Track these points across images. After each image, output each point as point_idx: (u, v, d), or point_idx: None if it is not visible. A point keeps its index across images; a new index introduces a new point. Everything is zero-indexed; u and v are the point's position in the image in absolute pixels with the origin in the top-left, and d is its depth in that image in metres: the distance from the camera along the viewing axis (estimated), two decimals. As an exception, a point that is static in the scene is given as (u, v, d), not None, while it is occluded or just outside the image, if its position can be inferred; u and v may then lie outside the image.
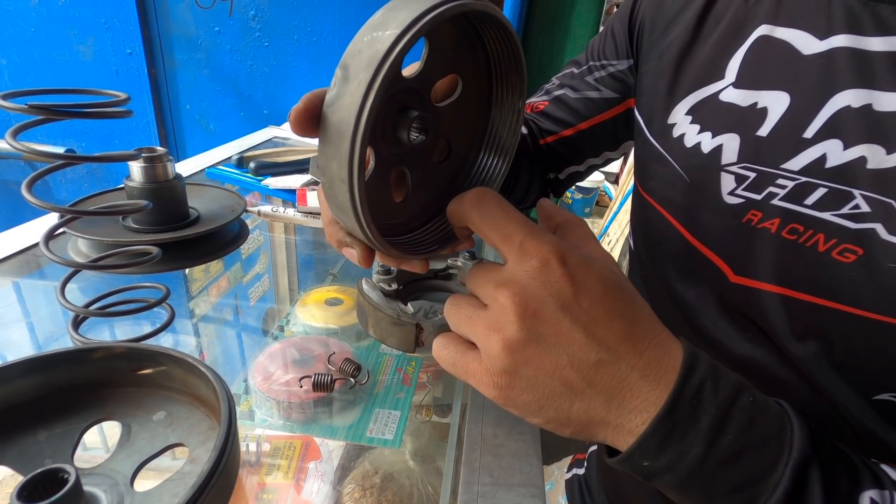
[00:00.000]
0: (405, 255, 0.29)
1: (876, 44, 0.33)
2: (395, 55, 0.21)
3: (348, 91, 0.21)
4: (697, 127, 0.43)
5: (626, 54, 0.54)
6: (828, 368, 0.37)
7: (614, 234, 1.90)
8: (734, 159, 0.40)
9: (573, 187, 1.77)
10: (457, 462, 0.38)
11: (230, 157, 0.92)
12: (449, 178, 0.33)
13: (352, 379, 0.46)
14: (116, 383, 0.36)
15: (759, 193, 0.38)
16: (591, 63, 0.58)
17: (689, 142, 0.43)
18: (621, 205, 1.89)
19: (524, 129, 0.61)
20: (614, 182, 2.44)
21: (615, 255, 1.84)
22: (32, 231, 0.63)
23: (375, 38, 0.21)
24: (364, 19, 0.23)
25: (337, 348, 0.53)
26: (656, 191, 0.47)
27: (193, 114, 1.27)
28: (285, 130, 1.14)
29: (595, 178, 2.11)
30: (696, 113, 0.44)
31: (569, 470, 0.70)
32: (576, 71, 0.59)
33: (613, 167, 1.92)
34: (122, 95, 0.38)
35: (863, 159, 0.33)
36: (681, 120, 0.45)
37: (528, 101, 0.65)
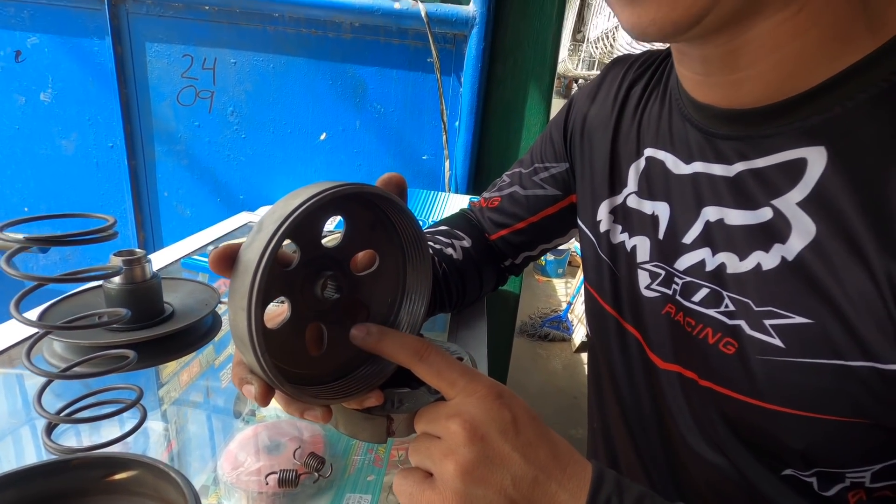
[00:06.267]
0: (304, 398, 0.32)
1: (718, 170, 0.40)
2: (297, 215, 0.28)
3: (258, 238, 0.28)
4: (619, 227, 0.49)
5: (563, 158, 0.62)
6: (740, 448, 0.40)
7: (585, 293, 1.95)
8: (647, 258, 0.46)
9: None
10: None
11: (205, 246, 0.96)
12: None
13: (316, 473, 0.48)
14: (88, 491, 0.37)
15: (669, 289, 0.44)
16: (535, 165, 0.65)
17: (615, 240, 0.50)
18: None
19: (467, 243, 0.67)
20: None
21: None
22: (4, 334, 0.63)
23: (287, 204, 0.28)
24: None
25: (308, 432, 0.54)
26: (597, 284, 0.53)
27: (171, 200, 1.32)
28: (258, 215, 1.20)
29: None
30: (615, 215, 0.50)
31: None
32: (524, 171, 0.66)
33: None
34: (110, 219, 0.43)
35: (724, 265, 0.39)
36: (605, 218, 0.51)
37: (483, 196, 0.72)
